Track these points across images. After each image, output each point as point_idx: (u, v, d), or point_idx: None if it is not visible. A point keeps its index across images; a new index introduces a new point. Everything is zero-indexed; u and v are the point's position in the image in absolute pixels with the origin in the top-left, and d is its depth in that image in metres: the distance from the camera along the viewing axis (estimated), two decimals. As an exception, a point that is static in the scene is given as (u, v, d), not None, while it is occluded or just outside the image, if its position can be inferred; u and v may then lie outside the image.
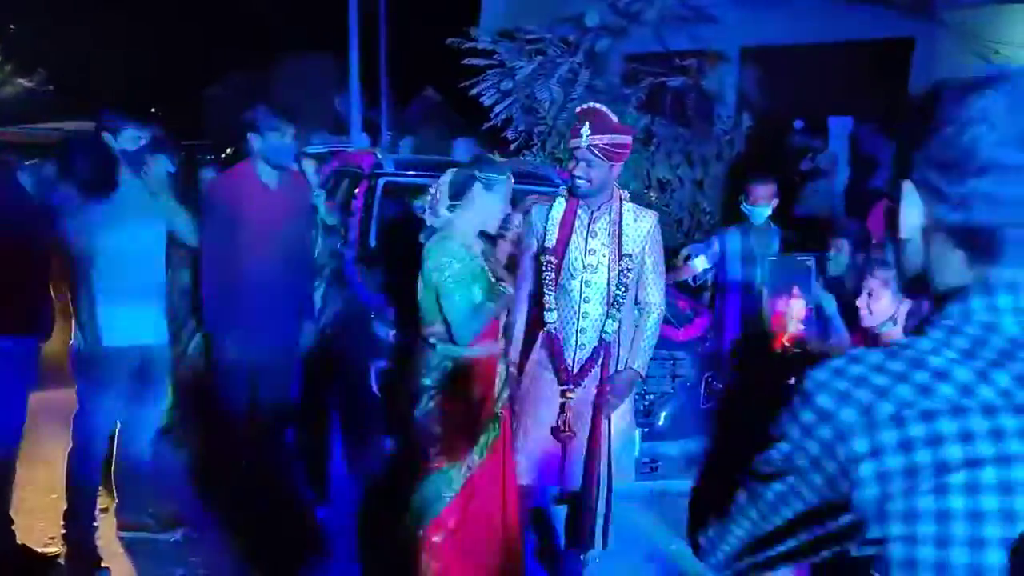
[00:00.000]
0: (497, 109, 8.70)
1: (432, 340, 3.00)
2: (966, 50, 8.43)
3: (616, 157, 3.13)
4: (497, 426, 3.07)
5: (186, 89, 20.42)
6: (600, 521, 3.30)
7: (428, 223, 3.04)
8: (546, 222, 3.25)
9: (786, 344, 2.50)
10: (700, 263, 4.94)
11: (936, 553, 0.86)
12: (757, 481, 1.01)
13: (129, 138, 3.45)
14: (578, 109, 3.19)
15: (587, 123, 3.07)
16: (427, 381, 2.98)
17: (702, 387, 4.08)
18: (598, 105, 3.17)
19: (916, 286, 1.02)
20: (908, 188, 0.98)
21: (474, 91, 8.74)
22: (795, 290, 2.62)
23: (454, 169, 3.08)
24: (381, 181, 4.95)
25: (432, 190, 3.05)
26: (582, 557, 3.45)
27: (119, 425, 3.67)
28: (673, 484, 4.02)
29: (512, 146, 8.73)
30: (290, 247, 3.79)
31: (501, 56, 8.55)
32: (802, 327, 2.52)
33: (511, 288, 3.06)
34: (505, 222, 3.15)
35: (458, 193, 2.99)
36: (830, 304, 3.46)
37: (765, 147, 8.34)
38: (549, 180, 5.44)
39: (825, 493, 0.93)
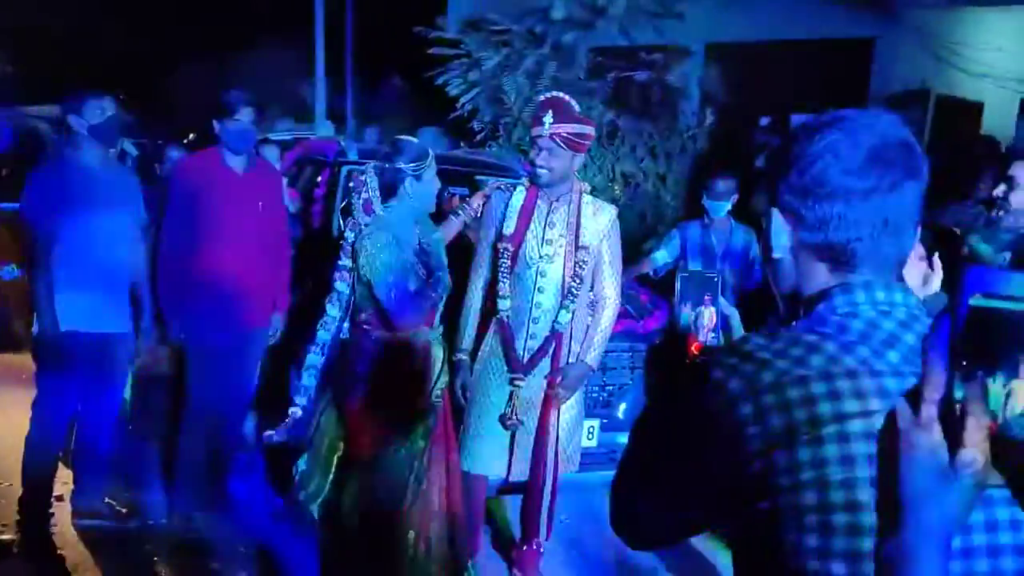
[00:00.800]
0: (463, 99, 8.69)
1: (365, 327, 2.98)
2: (926, 51, 8.59)
3: (577, 147, 3.15)
4: (434, 414, 3.07)
5: (149, 73, 20.13)
6: (544, 510, 3.33)
7: (360, 221, 2.98)
8: (505, 210, 3.26)
9: (695, 352, 2.57)
10: (660, 256, 5.00)
11: (817, 496, 0.98)
12: (659, 463, 1.13)
13: (94, 110, 3.40)
14: (541, 98, 3.20)
15: (550, 111, 3.09)
16: (360, 368, 2.96)
17: (658, 378, 4.12)
18: (561, 94, 3.19)
19: (791, 298, 1.17)
20: (775, 214, 1.16)
21: (440, 80, 8.73)
22: (706, 300, 2.68)
23: (375, 166, 3.02)
24: (344, 169, 4.93)
25: (362, 190, 2.98)
26: (529, 547, 3.48)
27: (79, 412, 3.63)
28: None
29: (477, 136, 8.73)
30: (258, 234, 3.78)
31: (468, 47, 8.54)
32: (711, 336, 2.58)
33: (448, 276, 3.04)
34: (460, 206, 3.15)
35: (391, 191, 2.97)
36: (735, 316, 3.55)
37: (727, 143, 8.43)
38: (512, 171, 5.46)
39: (716, 458, 1.05)
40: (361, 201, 2.97)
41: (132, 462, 4.08)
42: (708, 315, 2.42)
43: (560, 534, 3.67)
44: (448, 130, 9.29)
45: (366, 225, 2.96)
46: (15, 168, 6.57)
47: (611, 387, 3.97)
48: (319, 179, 4.90)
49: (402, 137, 3.11)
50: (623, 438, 3.94)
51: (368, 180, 2.97)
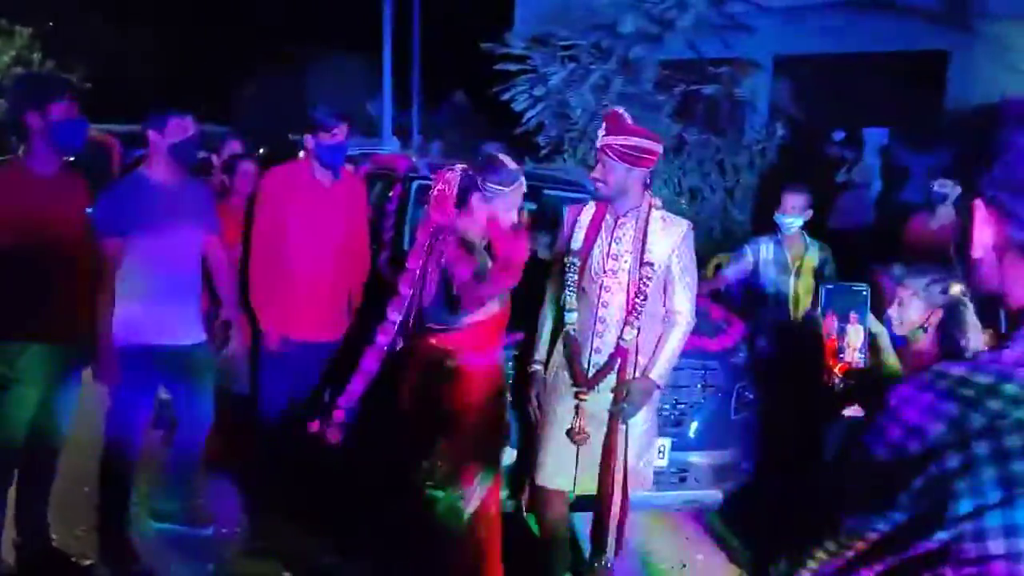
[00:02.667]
0: (529, 114, 8.72)
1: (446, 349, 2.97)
2: (1000, 64, 8.34)
3: (632, 160, 3.09)
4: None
5: (221, 89, 20.65)
6: (613, 527, 3.28)
7: (432, 216, 2.99)
8: (574, 224, 3.26)
9: (838, 375, 2.42)
10: (732, 272, 4.92)
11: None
12: (837, 508, 0.99)
13: (176, 128, 3.45)
14: (603, 112, 3.21)
15: (604, 124, 3.09)
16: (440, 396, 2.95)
17: (733, 397, 4.04)
18: (618, 108, 3.18)
19: (990, 304, 1.04)
20: (978, 208, 1.01)
21: (506, 96, 8.76)
22: (852, 317, 2.51)
23: (462, 168, 3.03)
24: (415, 184, 4.97)
25: (440, 186, 2.98)
26: (598, 564, 3.43)
27: (177, 421, 3.72)
28: (702, 494, 4.00)
29: (543, 151, 8.74)
30: (343, 245, 3.92)
31: (534, 62, 8.57)
32: (859, 357, 2.42)
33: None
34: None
35: (462, 198, 2.96)
36: (883, 336, 3.35)
37: (797, 157, 8.30)
38: (581, 186, 5.44)
39: (913, 511, 0.91)
40: (435, 193, 2.98)
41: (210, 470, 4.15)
42: (855, 333, 2.30)
43: (630, 552, 3.62)
44: (513, 145, 9.32)
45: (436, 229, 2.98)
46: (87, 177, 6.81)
47: (683, 405, 3.91)
48: (390, 194, 4.95)
49: (498, 155, 3.12)
50: (694, 457, 3.90)
51: (449, 178, 2.98)
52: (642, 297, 3.14)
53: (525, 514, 3.42)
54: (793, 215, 4.66)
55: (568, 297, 3.22)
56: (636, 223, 3.18)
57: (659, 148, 3.15)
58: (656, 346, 3.23)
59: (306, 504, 3.74)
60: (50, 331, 3.16)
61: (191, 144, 3.50)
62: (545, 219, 4.83)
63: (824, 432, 3.89)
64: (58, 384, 3.26)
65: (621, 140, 3.07)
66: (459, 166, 3.04)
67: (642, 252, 3.16)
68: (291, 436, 3.90)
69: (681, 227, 3.23)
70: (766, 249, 4.78)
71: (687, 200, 8.26)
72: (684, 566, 3.92)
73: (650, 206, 3.21)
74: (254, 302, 3.90)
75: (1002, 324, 1.10)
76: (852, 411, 2.64)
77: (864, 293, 2.36)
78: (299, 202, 3.84)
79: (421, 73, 13.70)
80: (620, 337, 3.16)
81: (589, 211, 3.26)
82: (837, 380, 2.49)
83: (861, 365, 2.47)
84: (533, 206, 5.76)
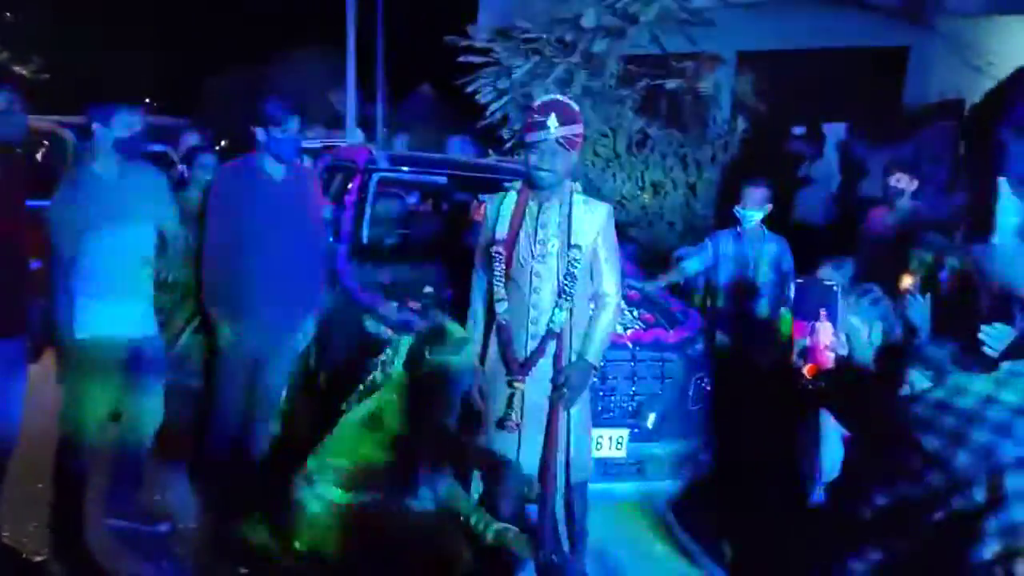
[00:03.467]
0: (493, 107, 8.70)
1: None
2: (960, 60, 8.48)
3: (576, 145, 3.15)
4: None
5: (183, 82, 20.36)
6: (562, 517, 3.29)
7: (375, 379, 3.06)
8: (497, 215, 3.27)
9: (808, 375, 2.38)
10: (691, 265, 4.96)
11: None
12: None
13: (122, 124, 3.38)
14: (538, 102, 3.17)
15: (553, 115, 3.07)
16: None
17: (691, 389, 4.08)
18: (560, 96, 3.19)
19: (1001, 297, 0.90)
20: (1003, 187, 0.86)
21: (470, 88, 8.74)
22: (822, 314, 2.45)
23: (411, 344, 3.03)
24: (375, 176, 4.94)
25: (388, 352, 3.06)
26: (554, 557, 3.40)
27: (120, 417, 3.66)
28: (659, 486, 4.02)
29: (507, 144, 8.73)
30: (295, 241, 3.84)
31: (498, 55, 8.55)
32: (829, 356, 2.39)
33: None
34: None
35: (412, 367, 2.96)
36: (857, 333, 3.25)
37: (759, 152, 8.37)
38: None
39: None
40: (382, 360, 3.07)
41: (163, 466, 4.10)
42: (824, 331, 2.24)
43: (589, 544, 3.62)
44: (477, 138, 9.31)
45: None
46: (40, 169, 6.69)
47: (641, 397, 3.93)
48: (350, 186, 4.92)
49: (441, 324, 3.11)
50: (653, 449, 3.93)
51: (401, 349, 3.03)
52: (571, 280, 3.18)
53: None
54: (753, 208, 4.71)
55: (497, 287, 3.24)
56: (560, 208, 3.21)
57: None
58: (588, 328, 3.26)
59: (265, 500, 3.70)
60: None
61: (137, 139, 3.42)
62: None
63: (795, 432, 3.91)
64: (4, 379, 3.20)
65: (573, 129, 3.10)
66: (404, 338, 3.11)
67: (568, 235, 3.19)
68: (248, 432, 3.90)
69: (603, 210, 3.28)
70: (726, 243, 4.82)
71: (649, 195, 8.29)
72: (642, 556, 3.95)
73: (571, 190, 3.25)
74: (206, 298, 3.86)
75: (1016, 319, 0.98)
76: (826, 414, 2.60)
77: (835, 288, 2.30)
78: (249, 197, 3.77)
79: (385, 65, 13.61)
80: (550, 321, 3.19)
81: (510, 200, 3.27)
82: (807, 380, 2.45)
83: (830, 365, 2.42)
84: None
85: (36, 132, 7.20)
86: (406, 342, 3.04)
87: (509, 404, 3.20)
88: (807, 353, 2.70)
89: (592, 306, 3.29)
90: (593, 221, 3.22)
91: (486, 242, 3.31)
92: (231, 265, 3.76)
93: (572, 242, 3.18)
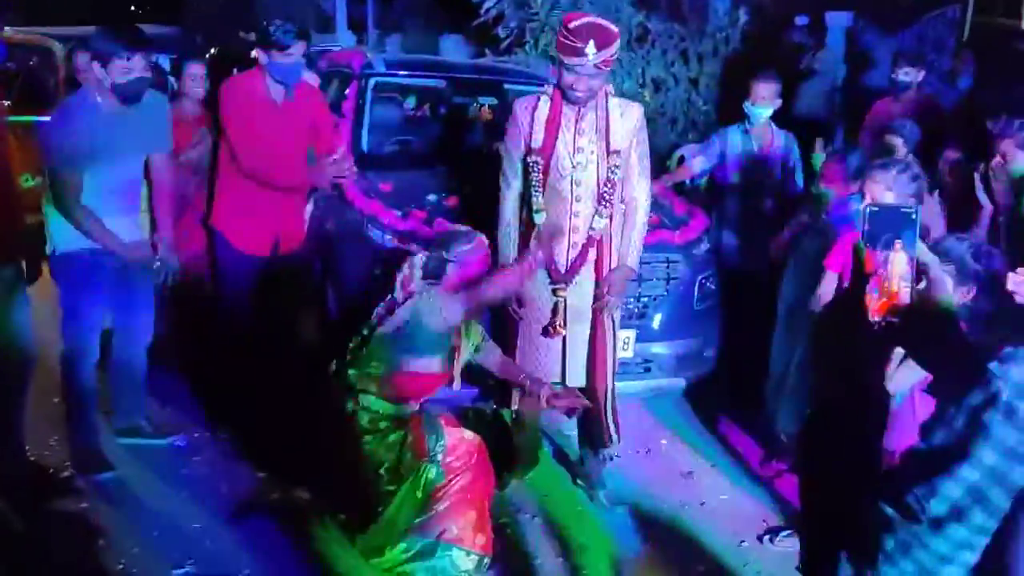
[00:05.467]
0: (487, 5, 8.48)
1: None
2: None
3: (611, 63, 3.11)
4: None
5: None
6: (610, 415, 3.38)
7: (396, 297, 3.05)
8: (531, 122, 3.20)
9: (879, 312, 2.23)
10: (699, 163, 4.89)
11: None
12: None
13: (121, 70, 3.23)
14: (573, 24, 3.03)
15: (592, 41, 2.97)
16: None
17: (695, 289, 4.10)
18: (596, 19, 3.07)
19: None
20: None
21: (463, -14, 8.50)
22: (897, 246, 2.25)
23: (424, 256, 3.10)
24: (372, 81, 4.84)
25: (404, 269, 3.06)
26: (602, 454, 3.55)
27: (113, 332, 3.67)
28: (666, 383, 4.09)
29: (503, 44, 8.54)
30: (301, 163, 3.83)
31: (492, -51, 8.29)
32: (904, 288, 2.21)
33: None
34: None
35: (435, 275, 3.03)
36: (934, 265, 3.08)
37: (761, 44, 8.18)
38: (542, 80, 5.34)
39: None
40: (401, 278, 3.05)
41: (170, 379, 4.15)
42: (900, 262, 2.03)
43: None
44: (472, 37, 9.08)
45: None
46: (29, 82, 6.54)
47: (647, 298, 3.95)
48: (347, 92, 4.82)
49: (455, 228, 3.18)
50: (658, 347, 3.97)
51: (416, 263, 3.06)
52: (610, 186, 3.17)
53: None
54: (763, 105, 4.61)
55: (536, 197, 3.20)
56: (597, 113, 3.16)
57: None
58: (622, 235, 3.26)
59: (278, 413, 3.77)
60: None
61: (137, 84, 3.28)
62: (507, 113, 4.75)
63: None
64: (7, 303, 3.19)
65: (611, 51, 3.02)
66: (419, 254, 3.12)
67: (607, 141, 3.15)
68: (258, 347, 3.93)
69: (637, 111, 3.25)
70: (734, 140, 4.74)
71: (650, 92, 8.15)
72: (648, 451, 4.05)
73: (606, 94, 3.19)
74: (216, 217, 3.87)
75: None
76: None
77: (913, 216, 2.09)
78: (253, 119, 3.67)
79: (375, -37, 13.15)
80: (590, 227, 3.18)
81: (544, 106, 3.20)
82: (879, 318, 2.27)
83: (906, 300, 2.23)
84: (494, 101, 5.66)
85: (24, 45, 7.04)
86: (420, 258, 3.09)
87: (554, 311, 3.24)
88: (879, 287, 2.49)
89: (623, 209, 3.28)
90: (628, 124, 3.19)
91: (520, 151, 3.24)
92: (240, 184, 3.76)
93: (611, 148, 3.16)
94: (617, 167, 3.16)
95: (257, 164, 3.70)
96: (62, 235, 3.37)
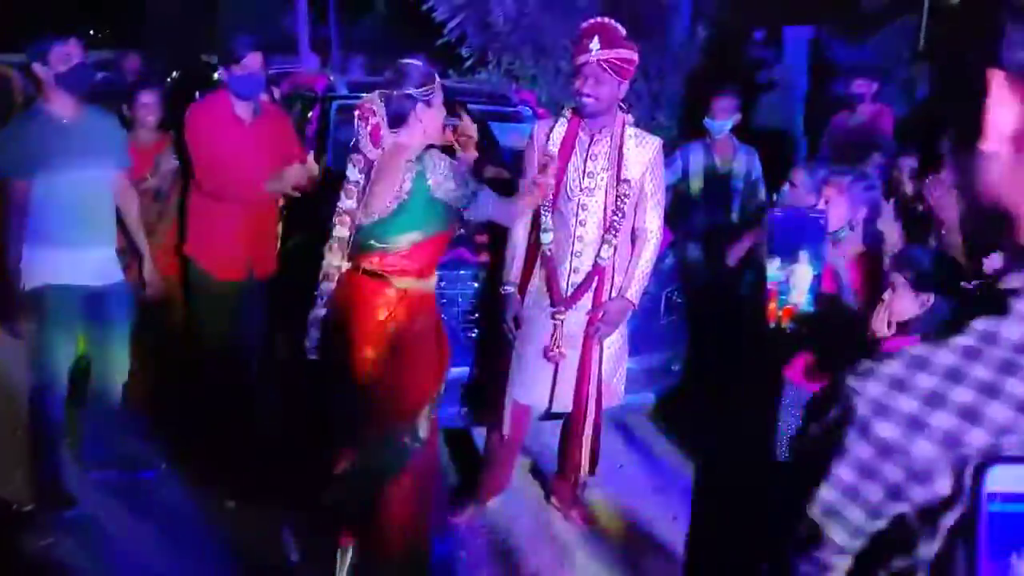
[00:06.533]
0: (450, 24, 8.51)
1: (384, 273, 2.80)
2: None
3: (625, 73, 3.05)
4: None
5: (126, 8, 19.57)
6: (587, 445, 3.35)
7: (367, 154, 2.79)
8: (546, 143, 3.20)
9: (781, 319, 2.16)
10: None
11: None
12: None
13: (60, 57, 3.21)
14: (584, 24, 3.07)
15: (596, 37, 2.97)
16: (378, 325, 2.80)
17: (662, 302, 4.13)
18: (606, 19, 3.07)
19: (983, 214, 0.78)
20: (996, 81, 0.72)
21: (426, 6, 8.53)
22: (802, 256, 2.17)
23: (380, 93, 2.79)
24: (335, 104, 4.85)
25: (368, 118, 2.76)
26: (573, 480, 3.52)
27: (90, 364, 3.63)
28: (633, 398, 4.10)
29: (466, 63, 8.56)
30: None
31: (453, -31, 8.32)
32: (806, 298, 2.14)
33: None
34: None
35: (400, 119, 2.76)
36: (842, 271, 2.86)
37: (720, 59, 8.28)
38: (506, 99, 5.37)
39: (896, 558, 0.71)
40: (368, 129, 2.76)
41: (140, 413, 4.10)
42: (803, 273, 1.92)
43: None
44: (435, 58, 9.09)
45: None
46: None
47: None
48: (310, 115, 4.82)
49: (406, 60, 2.84)
50: (627, 363, 3.99)
51: (376, 108, 2.77)
52: (620, 215, 3.15)
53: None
54: (722, 119, 4.68)
55: (544, 217, 3.20)
56: (611, 140, 3.15)
57: (637, 58, 3.09)
58: (628, 266, 3.26)
59: (246, 440, 3.74)
60: None
61: (80, 72, 3.28)
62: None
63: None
64: None
65: (617, 53, 2.99)
66: (373, 95, 2.82)
67: (619, 169, 3.14)
68: (230, 373, 3.89)
69: (654, 143, 3.23)
70: (696, 155, 4.81)
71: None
72: (621, 466, 4.06)
73: (623, 123, 3.18)
74: (189, 245, 3.85)
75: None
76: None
77: (822, 221, 1.98)
78: (221, 141, 3.67)
79: (337, -15, 13.18)
80: (598, 255, 3.18)
81: (560, 129, 3.21)
82: (782, 324, 2.22)
83: (808, 309, 2.15)
84: (455, 121, 5.66)
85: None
86: (379, 100, 2.81)
87: (553, 334, 3.23)
88: (780, 296, 2.44)
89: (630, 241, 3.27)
90: (643, 155, 3.16)
91: (533, 171, 3.22)
92: (211, 207, 3.73)
93: (622, 176, 3.14)
94: (627, 196, 3.14)
95: (223, 182, 3.67)
96: (30, 270, 3.30)
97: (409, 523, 2.90)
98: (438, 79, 2.83)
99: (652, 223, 3.24)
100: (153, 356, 3.99)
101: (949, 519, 0.65)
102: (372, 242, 2.79)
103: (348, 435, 2.92)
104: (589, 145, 3.16)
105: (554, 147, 3.18)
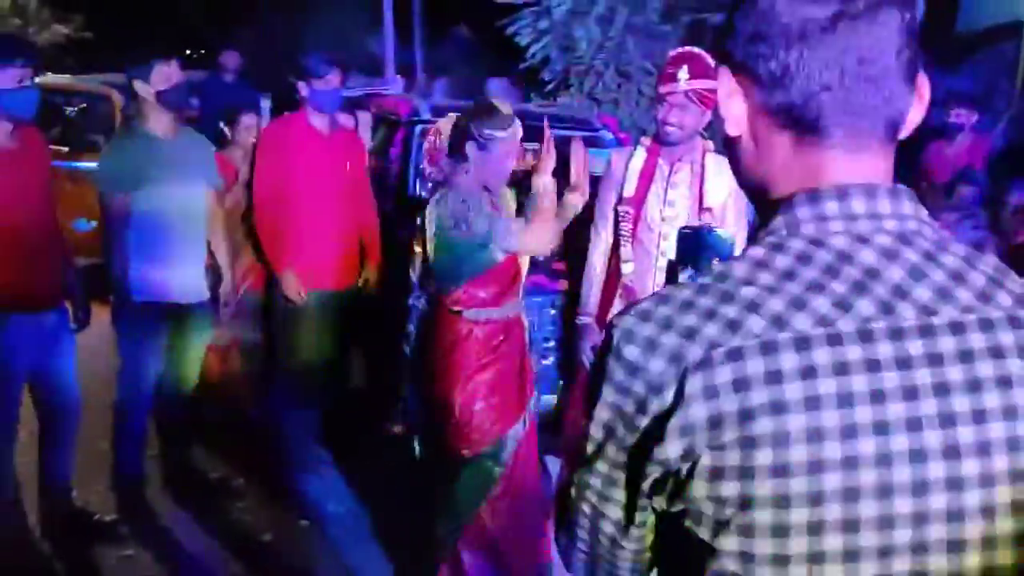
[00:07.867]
0: (533, 48, 8.54)
1: (456, 308, 2.83)
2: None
3: (710, 103, 2.99)
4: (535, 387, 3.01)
5: (225, 33, 20.31)
6: None
7: (429, 174, 2.86)
8: (625, 171, 3.16)
9: None
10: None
11: (743, 517, 0.76)
12: (581, 466, 0.89)
13: (160, 75, 3.34)
14: (673, 53, 3.05)
15: (684, 67, 2.93)
16: (457, 356, 2.82)
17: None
18: (695, 49, 3.04)
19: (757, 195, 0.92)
20: (723, 76, 0.88)
21: (510, 30, 8.58)
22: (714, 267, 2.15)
23: (453, 115, 2.84)
24: (418, 128, 4.88)
25: (431, 137, 2.83)
26: None
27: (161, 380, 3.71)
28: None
29: (548, 87, 8.58)
30: (345, 194, 3.90)
31: (537, -6, 8.36)
32: None
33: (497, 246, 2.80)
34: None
35: (454, 148, 2.78)
36: None
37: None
38: (588, 124, 5.34)
39: (648, 463, 0.81)
40: (426, 147, 2.83)
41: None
42: None
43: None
44: (519, 81, 9.14)
45: (433, 184, 2.88)
46: (87, 130, 6.72)
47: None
48: (394, 139, 4.87)
49: (490, 101, 2.88)
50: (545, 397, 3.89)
51: (442, 128, 2.82)
52: None
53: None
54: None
55: (624, 248, 3.15)
56: (692, 168, 3.10)
57: None
58: None
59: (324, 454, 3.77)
60: (31, 300, 3.11)
61: (179, 91, 3.42)
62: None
63: None
64: (50, 349, 3.24)
65: (704, 84, 2.93)
66: (453, 115, 2.88)
67: (700, 197, 3.09)
68: (313, 384, 3.94)
69: None
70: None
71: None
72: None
73: (704, 150, 3.13)
74: (268, 254, 3.92)
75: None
76: None
77: (731, 243, 1.95)
78: (299, 152, 3.80)
79: (422, 7, 13.40)
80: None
81: (639, 157, 3.16)
82: None
83: None
84: (538, 146, 5.65)
85: (78, 92, 7.25)
86: (447, 123, 2.88)
87: None
88: None
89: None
90: (725, 182, 3.07)
91: (611, 199, 3.20)
92: (287, 219, 3.82)
93: (704, 205, 3.08)
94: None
95: (290, 192, 3.78)
96: (137, 285, 3.40)
97: (512, 547, 2.89)
98: (511, 130, 2.80)
99: (736, 252, 3.14)
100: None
101: (674, 422, 0.77)
102: (433, 280, 2.87)
103: (434, 460, 2.94)
104: (669, 174, 3.11)
105: (633, 176, 3.13)
